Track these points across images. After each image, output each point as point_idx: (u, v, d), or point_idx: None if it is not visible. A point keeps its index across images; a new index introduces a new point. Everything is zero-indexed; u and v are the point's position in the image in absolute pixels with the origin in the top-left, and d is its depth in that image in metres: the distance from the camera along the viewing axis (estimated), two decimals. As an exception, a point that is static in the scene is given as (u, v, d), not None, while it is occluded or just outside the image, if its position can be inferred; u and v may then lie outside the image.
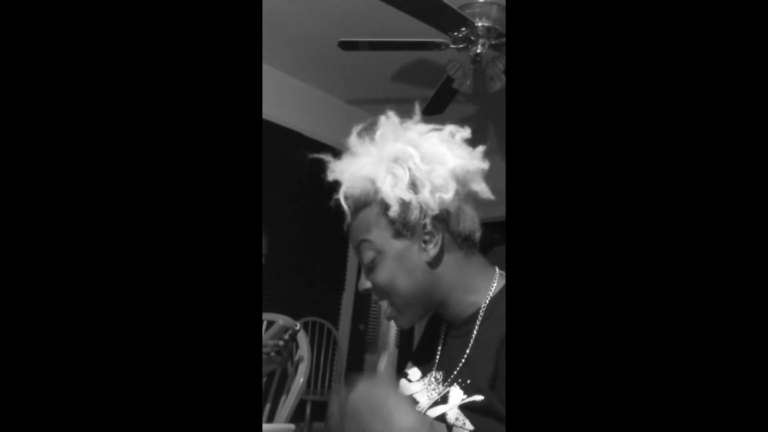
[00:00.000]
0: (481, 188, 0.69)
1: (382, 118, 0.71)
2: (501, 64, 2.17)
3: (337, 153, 0.72)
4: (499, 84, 2.21)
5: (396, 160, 0.66)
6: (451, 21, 2.03)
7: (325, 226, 3.22)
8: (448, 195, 0.65)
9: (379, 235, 0.68)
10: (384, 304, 0.72)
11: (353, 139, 0.71)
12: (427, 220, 0.66)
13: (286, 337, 1.27)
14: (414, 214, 0.66)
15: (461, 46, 2.18)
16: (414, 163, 0.66)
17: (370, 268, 0.70)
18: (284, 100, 3.25)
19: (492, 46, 2.15)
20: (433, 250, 0.67)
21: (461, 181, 0.67)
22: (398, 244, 0.68)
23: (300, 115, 3.33)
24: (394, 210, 0.65)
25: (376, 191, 0.67)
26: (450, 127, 0.71)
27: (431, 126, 0.71)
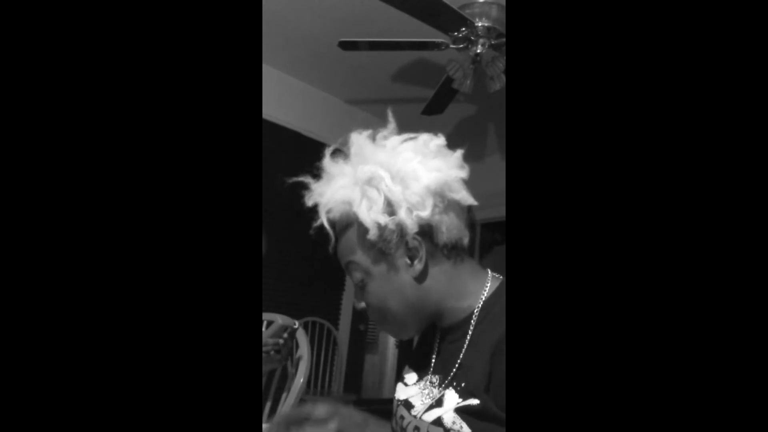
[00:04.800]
0: (462, 196, 0.68)
1: (353, 136, 0.70)
2: (501, 64, 2.16)
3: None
4: (499, 84, 2.21)
5: (369, 181, 0.65)
6: (451, 21, 2.02)
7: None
8: (426, 212, 0.64)
9: (364, 256, 0.68)
10: (380, 326, 0.72)
11: (327, 161, 0.70)
12: (408, 238, 0.66)
13: (285, 335, 1.27)
14: (394, 235, 0.65)
15: (461, 46, 2.18)
16: (386, 185, 0.64)
17: (361, 288, 0.71)
18: (284, 100, 3.25)
19: (492, 46, 2.15)
20: (418, 265, 0.67)
21: (439, 194, 0.66)
22: (383, 265, 0.67)
23: (300, 115, 3.33)
24: (373, 233, 0.65)
25: (355, 214, 0.66)
26: (423, 137, 0.70)
27: (405, 136, 0.70)
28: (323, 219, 0.68)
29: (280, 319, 1.29)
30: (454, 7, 1.95)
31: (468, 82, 2.30)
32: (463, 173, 0.68)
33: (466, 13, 2.03)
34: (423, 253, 0.66)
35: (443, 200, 0.66)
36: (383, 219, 0.64)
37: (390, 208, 0.65)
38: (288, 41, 2.88)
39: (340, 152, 0.71)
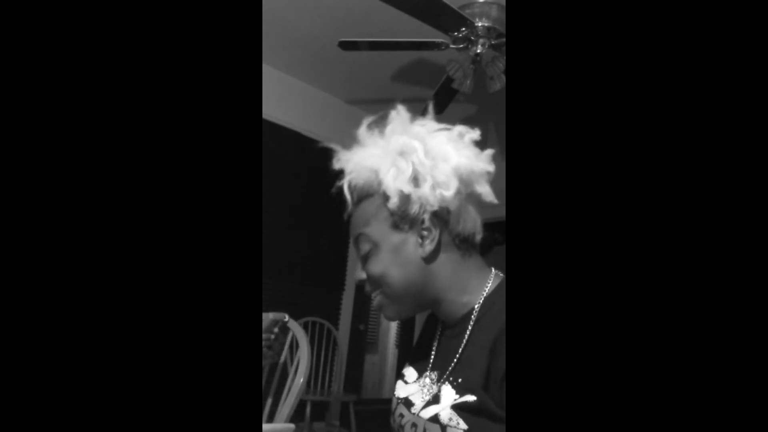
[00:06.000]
0: (485, 191, 0.69)
1: (393, 113, 0.72)
2: (501, 64, 2.17)
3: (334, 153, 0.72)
4: (499, 84, 2.21)
5: (401, 153, 0.67)
6: (451, 21, 2.03)
7: (326, 225, 3.23)
8: (449, 192, 0.66)
9: (378, 228, 0.69)
10: (374, 294, 0.72)
11: (362, 131, 0.72)
12: (426, 216, 0.67)
13: (276, 330, 1.27)
14: (413, 208, 0.66)
15: (461, 46, 2.18)
16: (417, 157, 0.66)
17: (365, 259, 0.71)
18: (284, 100, 3.25)
19: (492, 46, 2.15)
20: (429, 246, 0.67)
21: (464, 180, 0.67)
22: (395, 237, 0.68)
23: (300, 115, 3.33)
24: (394, 202, 0.66)
25: (379, 182, 0.67)
26: (459, 128, 0.71)
27: (441, 125, 0.71)
28: (345, 184, 0.70)
29: (270, 315, 1.28)
30: (454, 7, 1.95)
31: (468, 82, 2.31)
32: (491, 168, 0.69)
33: (466, 13, 2.03)
34: (435, 235, 0.67)
35: (467, 188, 0.68)
36: (407, 188, 0.65)
37: (415, 181, 0.66)
38: (288, 41, 2.88)
39: (377, 125, 0.72)
